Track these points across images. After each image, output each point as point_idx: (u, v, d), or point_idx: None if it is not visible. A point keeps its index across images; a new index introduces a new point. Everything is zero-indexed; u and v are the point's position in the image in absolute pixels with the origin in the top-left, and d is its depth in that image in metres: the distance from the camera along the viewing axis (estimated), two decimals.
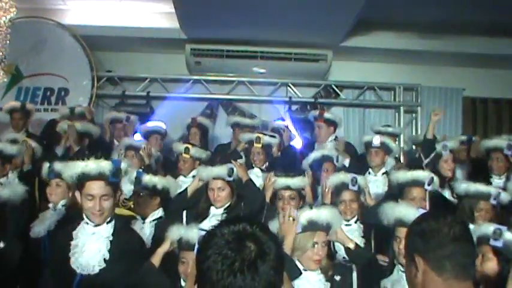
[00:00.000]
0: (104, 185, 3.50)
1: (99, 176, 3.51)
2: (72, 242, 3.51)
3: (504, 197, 4.85)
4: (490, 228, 3.42)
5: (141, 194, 4.62)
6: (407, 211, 3.61)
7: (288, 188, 4.84)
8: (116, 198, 3.65)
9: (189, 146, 5.91)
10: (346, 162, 5.91)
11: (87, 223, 3.55)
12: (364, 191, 4.98)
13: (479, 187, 4.78)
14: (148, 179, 4.61)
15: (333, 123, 6.78)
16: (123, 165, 3.62)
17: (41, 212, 4.70)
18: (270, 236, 1.82)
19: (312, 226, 3.47)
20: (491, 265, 3.36)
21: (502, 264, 3.33)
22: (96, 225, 3.53)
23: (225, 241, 1.75)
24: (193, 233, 3.56)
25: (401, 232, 3.54)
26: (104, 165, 3.51)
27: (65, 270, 3.45)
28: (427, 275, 2.14)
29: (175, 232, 3.67)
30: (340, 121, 7.11)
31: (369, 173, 5.92)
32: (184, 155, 5.85)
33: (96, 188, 3.49)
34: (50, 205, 4.64)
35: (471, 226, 3.50)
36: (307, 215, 3.50)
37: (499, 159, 5.93)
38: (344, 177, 4.82)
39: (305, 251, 3.44)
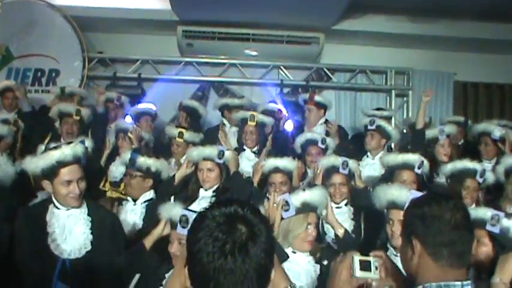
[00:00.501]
0: (78, 167, 3.58)
1: (74, 160, 3.55)
2: (48, 229, 3.52)
3: (490, 176, 4.92)
4: (487, 213, 3.40)
5: (134, 175, 4.59)
6: (399, 193, 3.62)
7: (277, 170, 4.86)
8: None
9: (183, 130, 5.91)
10: (332, 144, 5.88)
11: (58, 208, 3.56)
12: (355, 173, 4.99)
13: (465, 163, 4.85)
14: (142, 160, 4.60)
15: (323, 106, 6.82)
16: (87, 143, 3.76)
17: (38, 191, 4.60)
18: (261, 219, 1.82)
19: (305, 208, 3.50)
20: (485, 250, 3.36)
21: (497, 250, 3.31)
22: (68, 209, 3.55)
23: (216, 223, 1.74)
24: (176, 211, 3.52)
25: (394, 214, 3.59)
26: (78, 149, 3.59)
27: (43, 255, 3.45)
28: (422, 258, 2.16)
29: (167, 212, 3.65)
30: (330, 104, 7.12)
31: (367, 156, 5.97)
32: (177, 139, 5.86)
33: (73, 172, 3.54)
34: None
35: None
36: (300, 197, 3.51)
37: (487, 144, 6.01)
38: (335, 160, 4.81)
39: (299, 233, 3.46)
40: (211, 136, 6.58)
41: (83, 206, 3.61)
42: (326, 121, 6.77)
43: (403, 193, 3.60)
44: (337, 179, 4.71)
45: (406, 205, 2.46)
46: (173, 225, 3.52)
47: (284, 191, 4.55)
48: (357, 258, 2.34)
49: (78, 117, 6.23)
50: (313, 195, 3.56)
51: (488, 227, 3.37)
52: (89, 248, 3.50)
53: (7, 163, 4.62)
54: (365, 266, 2.32)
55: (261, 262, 1.74)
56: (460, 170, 4.84)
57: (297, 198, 3.50)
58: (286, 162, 4.92)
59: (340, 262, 2.40)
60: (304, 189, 3.63)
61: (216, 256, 1.70)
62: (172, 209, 3.60)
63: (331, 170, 4.78)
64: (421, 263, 2.17)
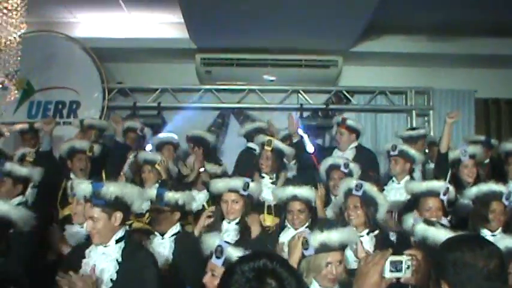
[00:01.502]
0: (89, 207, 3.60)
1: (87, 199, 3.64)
2: (84, 260, 3.54)
3: None
4: None
5: (162, 210, 4.49)
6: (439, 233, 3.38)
7: (295, 198, 4.75)
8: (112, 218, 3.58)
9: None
10: (356, 169, 5.70)
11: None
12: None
13: (491, 186, 4.70)
14: (171, 196, 4.49)
15: (354, 131, 6.68)
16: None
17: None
18: (291, 272, 1.81)
19: (324, 248, 3.44)
20: None
21: None
22: (105, 246, 3.54)
23: (245, 279, 1.75)
24: (212, 241, 3.45)
25: None
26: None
27: None
28: None
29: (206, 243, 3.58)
30: (363, 129, 6.98)
31: (392, 181, 5.84)
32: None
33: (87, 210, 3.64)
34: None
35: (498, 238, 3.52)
36: (318, 238, 3.46)
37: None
38: (350, 182, 4.72)
39: (320, 271, 3.42)
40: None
41: (118, 246, 3.57)
42: (358, 146, 6.68)
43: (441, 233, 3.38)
44: (351, 201, 4.60)
45: (440, 245, 2.42)
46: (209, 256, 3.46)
47: (302, 219, 4.61)
48: (389, 259, 2.28)
49: (91, 154, 6.14)
50: (330, 236, 3.47)
51: None
52: (109, 286, 3.47)
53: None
54: (396, 266, 2.27)
55: None
56: (485, 193, 4.67)
57: (315, 239, 3.45)
58: (304, 191, 4.79)
59: (369, 263, 2.33)
60: (322, 230, 3.53)
61: None
62: (210, 239, 3.53)
63: (347, 193, 4.68)
64: None
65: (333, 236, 3.47)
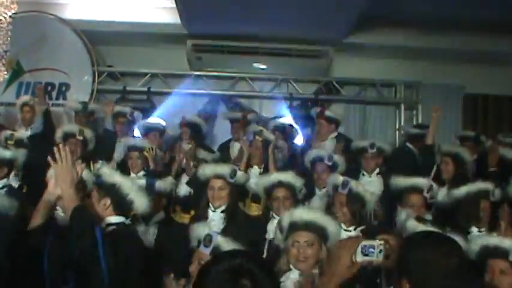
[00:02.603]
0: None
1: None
2: None
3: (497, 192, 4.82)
4: (508, 242, 3.40)
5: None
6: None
7: (280, 184, 4.75)
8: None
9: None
10: (340, 161, 5.75)
11: None
12: None
13: (480, 185, 4.75)
14: (160, 184, 4.68)
15: (334, 121, 6.76)
16: None
17: None
18: (266, 272, 1.83)
19: (291, 227, 3.49)
20: (509, 280, 3.34)
21: None
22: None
23: (220, 278, 1.77)
24: (202, 230, 3.41)
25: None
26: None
27: None
28: None
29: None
30: (342, 119, 7.11)
31: (363, 175, 5.87)
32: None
33: None
34: None
35: (485, 238, 3.66)
36: (286, 218, 3.54)
37: None
38: (337, 179, 4.70)
39: (288, 251, 3.46)
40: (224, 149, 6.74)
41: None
42: (338, 135, 6.74)
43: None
44: (338, 199, 4.59)
45: (403, 241, 2.51)
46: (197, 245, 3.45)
47: (287, 206, 4.52)
48: (362, 243, 2.30)
49: (81, 137, 6.18)
50: (297, 214, 3.53)
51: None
52: None
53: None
54: (368, 250, 2.28)
55: None
56: (476, 192, 4.71)
57: (285, 220, 3.55)
58: (288, 177, 4.83)
59: (342, 248, 2.35)
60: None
61: None
62: (198, 228, 3.50)
63: (334, 190, 4.70)
64: None
65: (298, 214, 3.52)
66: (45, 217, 3.39)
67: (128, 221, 3.56)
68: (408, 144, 6.93)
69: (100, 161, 4.94)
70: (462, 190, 4.76)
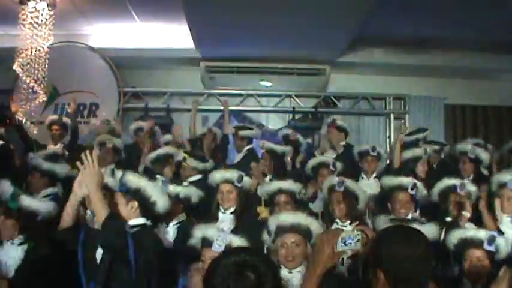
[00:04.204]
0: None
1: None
2: None
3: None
4: (483, 233, 3.58)
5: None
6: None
7: (280, 191, 4.83)
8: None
9: (186, 156, 5.94)
10: (340, 167, 5.84)
11: None
12: None
13: (449, 181, 4.89)
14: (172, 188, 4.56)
15: (343, 130, 6.99)
16: None
17: None
18: (268, 266, 1.90)
19: (279, 230, 3.54)
20: (486, 267, 3.51)
21: (493, 265, 3.48)
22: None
23: (227, 272, 1.83)
24: (211, 231, 3.54)
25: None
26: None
27: None
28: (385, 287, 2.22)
29: (202, 230, 3.59)
30: (350, 130, 7.31)
31: (362, 177, 6.01)
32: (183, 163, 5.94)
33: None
34: None
35: (462, 230, 3.82)
36: (273, 222, 3.60)
37: (465, 162, 5.99)
38: (333, 179, 4.80)
39: (277, 253, 3.50)
40: None
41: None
42: (346, 144, 6.93)
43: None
44: (334, 196, 4.65)
45: (377, 235, 2.50)
46: (207, 244, 3.49)
47: (288, 209, 4.54)
48: (341, 235, 2.32)
49: (110, 145, 6.36)
50: (283, 218, 3.59)
51: (486, 246, 3.51)
52: None
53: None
54: (347, 241, 2.29)
55: None
56: (444, 189, 4.86)
57: (272, 224, 3.59)
58: (288, 184, 4.88)
59: (323, 240, 2.36)
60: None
61: None
62: (207, 228, 3.60)
63: (330, 189, 4.74)
64: None
65: (285, 218, 3.57)
66: (73, 218, 3.49)
67: (149, 222, 3.55)
68: None
69: (122, 169, 4.93)
70: (435, 187, 4.97)
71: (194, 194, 4.72)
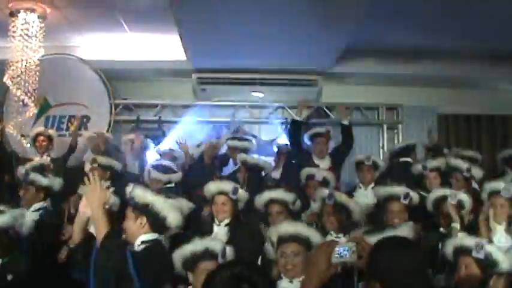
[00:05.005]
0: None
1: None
2: None
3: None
4: (472, 241, 3.57)
5: None
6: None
7: (272, 201, 4.86)
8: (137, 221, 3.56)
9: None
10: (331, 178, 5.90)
11: None
12: None
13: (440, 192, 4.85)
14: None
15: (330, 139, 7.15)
16: None
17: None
18: (264, 279, 1.93)
19: (279, 240, 3.58)
20: (475, 274, 3.49)
21: (484, 273, 3.46)
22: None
23: (223, 284, 1.86)
24: (215, 242, 3.54)
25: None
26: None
27: None
28: None
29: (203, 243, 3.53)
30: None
31: (359, 187, 6.04)
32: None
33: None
34: None
35: (456, 239, 3.81)
36: (274, 233, 3.64)
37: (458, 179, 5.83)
38: (323, 192, 4.80)
39: (277, 262, 3.57)
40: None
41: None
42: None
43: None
44: (325, 209, 4.68)
45: (373, 247, 2.46)
46: (209, 257, 3.42)
47: (281, 220, 4.47)
48: (336, 247, 2.30)
49: (95, 164, 6.27)
50: (282, 228, 3.63)
51: (474, 254, 3.50)
52: None
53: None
54: (342, 252, 2.28)
55: None
56: (437, 199, 4.79)
57: (273, 234, 3.64)
58: (279, 193, 4.93)
59: (318, 253, 2.37)
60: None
61: None
62: (210, 240, 3.60)
63: (322, 201, 4.78)
64: None
65: (284, 228, 3.61)
66: (82, 235, 3.50)
67: (161, 237, 3.55)
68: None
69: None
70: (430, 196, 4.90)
71: (185, 206, 4.70)
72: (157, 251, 3.47)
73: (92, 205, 3.33)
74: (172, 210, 3.59)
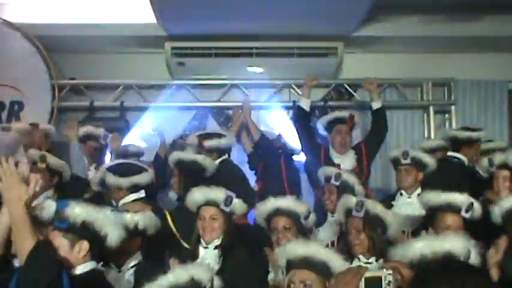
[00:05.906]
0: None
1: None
2: None
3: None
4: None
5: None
6: None
7: (279, 212, 4.54)
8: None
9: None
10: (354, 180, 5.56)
11: None
12: None
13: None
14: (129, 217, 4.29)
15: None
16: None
17: None
18: None
19: (289, 265, 3.47)
20: None
21: None
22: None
23: None
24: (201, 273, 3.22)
25: None
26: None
27: None
28: None
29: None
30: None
31: (401, 194, 5.64)
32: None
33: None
34: None
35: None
36: (282, 255, 3.50)
37: None
38: (349, 201, 4.46)
39: None
40: None
41: None
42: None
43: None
44: (353, 224, 4.37)
45: (417, 272, 2.42)
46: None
47: (289, 237, 4.29)
48: (364, 276, 2.35)
49: (44, 165, 5.92)
50: (292, 251, 3.48)
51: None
52: None
53: None
54: (374, 284, 2.33)
55: None
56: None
57: (282, 256, 3.50)
58: (288, 203, 4.60)
59: (339, 282, 2.46)
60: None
61: None
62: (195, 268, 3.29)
63: (347, 213, 4.47)
64: None
65: (293, 249, 3.45)
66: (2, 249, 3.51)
67: (99, 266, 3.55)
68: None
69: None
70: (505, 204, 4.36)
71: (153, 223, 4.49)
72: (102, 280, 3.53)
73: (9, 205, 3.30)
74: (113, 227, 3.55)
